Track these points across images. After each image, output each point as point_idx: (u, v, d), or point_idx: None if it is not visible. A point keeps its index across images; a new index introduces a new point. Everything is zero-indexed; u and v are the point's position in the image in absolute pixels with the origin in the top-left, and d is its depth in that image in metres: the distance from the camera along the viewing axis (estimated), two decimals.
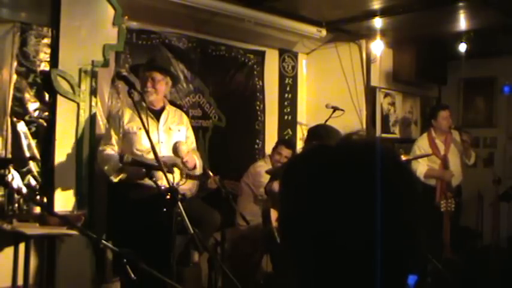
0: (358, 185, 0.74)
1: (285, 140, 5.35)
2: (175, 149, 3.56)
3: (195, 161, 3.73)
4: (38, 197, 3.77)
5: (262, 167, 4.98)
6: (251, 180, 4.95)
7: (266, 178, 4.82)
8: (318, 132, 3.59)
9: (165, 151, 3.67)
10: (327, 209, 0.74)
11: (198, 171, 3.79)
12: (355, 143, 0.81)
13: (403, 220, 0.75)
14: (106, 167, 3.65)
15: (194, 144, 3.98)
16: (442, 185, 5.11)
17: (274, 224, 3.85)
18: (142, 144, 3.64)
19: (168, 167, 3.41)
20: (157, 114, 3.76)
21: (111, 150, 3.70)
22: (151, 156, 3.43)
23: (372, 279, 0.71)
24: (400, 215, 0.75)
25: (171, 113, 3.86)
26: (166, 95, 3.99)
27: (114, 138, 3.72)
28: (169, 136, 3.76)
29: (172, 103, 4.37)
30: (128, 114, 3.73)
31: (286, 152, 5.02)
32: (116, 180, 3.63)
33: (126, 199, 3.61)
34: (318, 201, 0.75)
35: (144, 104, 3.56)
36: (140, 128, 3.60)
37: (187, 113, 5.00)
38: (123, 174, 3.60)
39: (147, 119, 3.45)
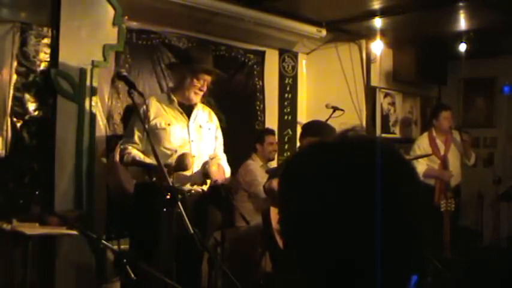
0: (359, 182, 0.73)
1: (269, 129, 5.42)
2: (205, 172, 3.32)
3: (224, 175, 3.46)
4: (38, 197, 3.77)
5: (252, 164, 5.02)
6: (242, 179, 4.97)
7: (258, 175, 4.85)
8: (311, 129, 3.69)
9: (195, 151, 3.43)
10: (328, 208, 0.73)
11: (228, 178, 3.57)
12: (354, 139, 0.81)
13: (406, 218, 0.75)
14: (132, 168, 3.37)
15: (222, 146, 3.71)
16: (441, 184, 5.11)
17: (275, 224, 3.85)
18: (171, 142, 3.36)
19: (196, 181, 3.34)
20: (188, 110, 3.49)
21: (134, 149, 3.36)
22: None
23: (375, 279, 0.71)
24: (402, 213, 0.75)
25: (201, 110, 3.59)
26: None
27: (138, 136, 3.36)
28: (200, 134, 3.50)
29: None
30: (154, 107, 3.40)
31: (274, 139, 5.20)
32: (142, 179, 3.35)
33: (154, 203, 3.20)
34: (319, 201, 0.74)
35: (173, 98, 3.38)
36: (169, 124, 3.37)
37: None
38: (147, 176, 3.27)
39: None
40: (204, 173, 3.35)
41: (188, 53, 3.76)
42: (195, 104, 3.54)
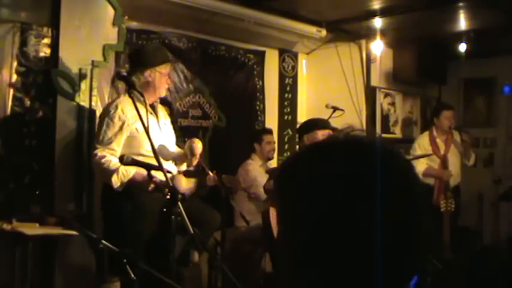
0: (358, 183, 0.73)
1: (266, 128, 5.43)
2: (191, 148, 3.37)
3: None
4: (38, 197, 3.77)
5: (251, 165, 5.02)
6: (242, 179, 4.97)
7: (258, 176, 4.85)
8: (303, 127, 4.08)
9: (171, 148, 3.52)
10: (327, 209, 0.73)
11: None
12: (353, 140, 0.81)
13: (407, 218, 0.75)
14: (114, 177, 3.19)
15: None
16: (441, 184, 5.11)
17: (274, 225, 3.85)
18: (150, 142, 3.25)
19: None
20: (154, 109, 3.50)
21: (112, 156, 3.24)
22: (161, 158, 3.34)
23: (374, 280, 0.71)
24: (403, 213, 0.75)
25: (160, 107, 3.63)
26: None
27: (115, 142, 3.27)
28: (167, 131, 3.59)
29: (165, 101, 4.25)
30: (130, 111, 3.25)
31: (272, 138, 5.20)
32: (121, 188, 3.26)
33: (134, 204, 3.28)
34: (318, 202, 0.74)
35: (142, 99, 3.34)
36: (146, 126, 3.25)
37: (186, 113, 5.04)
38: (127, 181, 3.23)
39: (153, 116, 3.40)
40: (190, 148, 3.41)
41: (144, 53, 3.60)
42: (156, 102, 3.55)
